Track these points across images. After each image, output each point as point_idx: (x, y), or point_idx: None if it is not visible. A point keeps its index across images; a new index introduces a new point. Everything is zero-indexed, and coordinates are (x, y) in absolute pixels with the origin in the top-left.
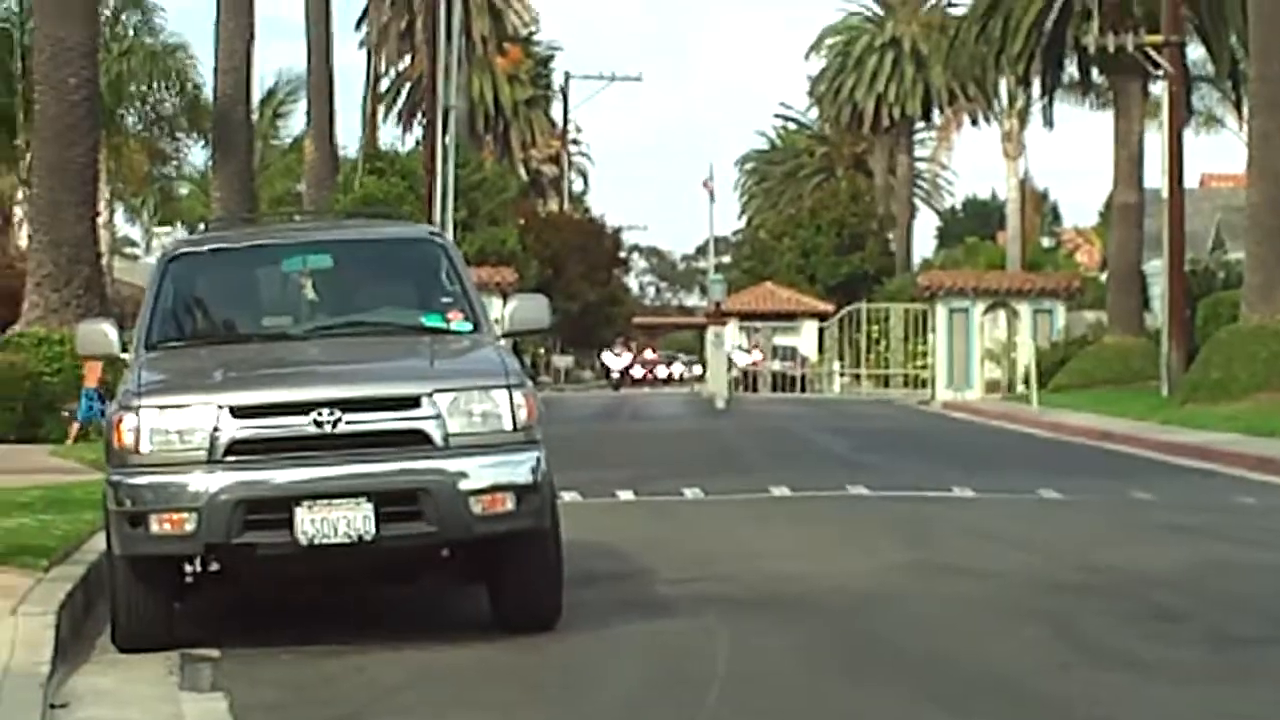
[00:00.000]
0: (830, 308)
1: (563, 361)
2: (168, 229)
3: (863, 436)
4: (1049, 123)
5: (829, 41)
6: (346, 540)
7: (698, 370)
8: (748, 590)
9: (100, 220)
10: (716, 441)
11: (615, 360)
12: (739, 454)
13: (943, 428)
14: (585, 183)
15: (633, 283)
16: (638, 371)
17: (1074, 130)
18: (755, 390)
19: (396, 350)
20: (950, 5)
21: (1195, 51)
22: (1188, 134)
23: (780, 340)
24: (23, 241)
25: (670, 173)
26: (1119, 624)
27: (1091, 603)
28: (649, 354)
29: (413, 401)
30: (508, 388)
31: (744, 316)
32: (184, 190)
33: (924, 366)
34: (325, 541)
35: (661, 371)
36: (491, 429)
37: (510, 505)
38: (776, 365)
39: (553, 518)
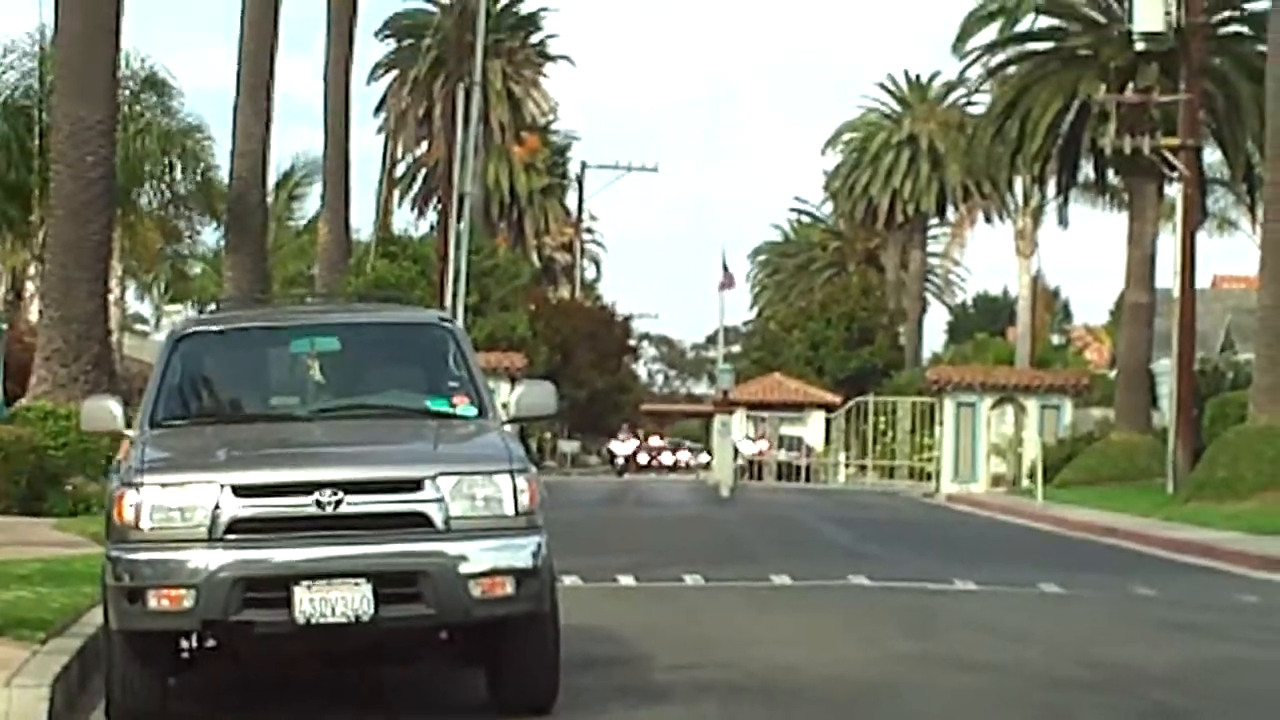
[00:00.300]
0: (838, 400)
1: (569, 447)
2: (179, 307)
3: (866, 527)
4: (1064, 222)
5: (846, 137)
6: (344, 620)
7: (704, 458)
8: (747, 678)
9: (111, 297)
10: (720, 529)
11: (620, 446)
12: (742, 542)
13: (946, 520)
14: (598, 270)
15: (642, 370)
16: (643, 458)
17: (1086, 229)
18: (760, 479)
19: (400, 433)
20: (969, 104)
21: (1211, 155)
22: (1201, 236)
23: (787, 430)
24: (33, 316)
25: (682, 262)
26: None
27: (1092, 699)
28: (655, 440)
29: (415, 484)
30: (510, 473)
31: (752, 406)
32: (196, 269)
33: (929, 459)
34: (323, 621)
35: (667, 458)
36: (493, 513)
37: (510, 589)
38: (782, 455)
39: (552, 602)
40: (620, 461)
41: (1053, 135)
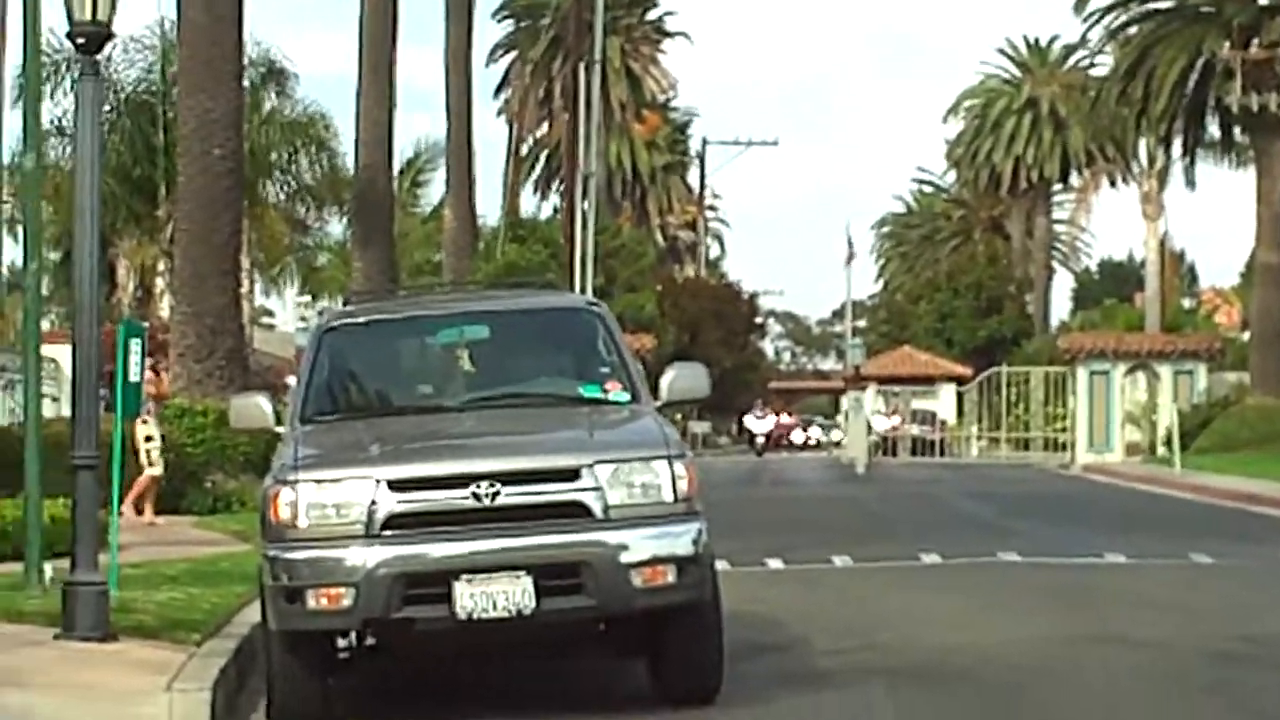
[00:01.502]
0: (968, 371)
1: (700, 427)
2: (308, 299)
3: (1007, 501)
4: (1191, 183)
5: (967, 104)
6: (505, 614)
7: (835, 435)
8: (908, 661)
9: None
10: (861, 507)
11: (758, 424)
12: (885, 520)
13: (1086, 492)
14: (722, 248)
15: (768, 347)
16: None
17: (1210, 190)
18: (894, 454)
19: (554, 421)
20: (1090, 67)
21: None
22: None
23: (918, 404)
24: (164, 312)
25: (806, 237)
26: None
27: (1259, 675)
28: (785, 418)
29: (572, 473)
30: (668, 458)
31: (882, 380)
32: (322, 259)
33: (1063, 429)
34: (484, 616)
35: (797, 436)
36: (652, 500)
37: (671, 578)
38: (915, 429)
39: (714, 589)
40: (760, 440)
41: (1177, 95)
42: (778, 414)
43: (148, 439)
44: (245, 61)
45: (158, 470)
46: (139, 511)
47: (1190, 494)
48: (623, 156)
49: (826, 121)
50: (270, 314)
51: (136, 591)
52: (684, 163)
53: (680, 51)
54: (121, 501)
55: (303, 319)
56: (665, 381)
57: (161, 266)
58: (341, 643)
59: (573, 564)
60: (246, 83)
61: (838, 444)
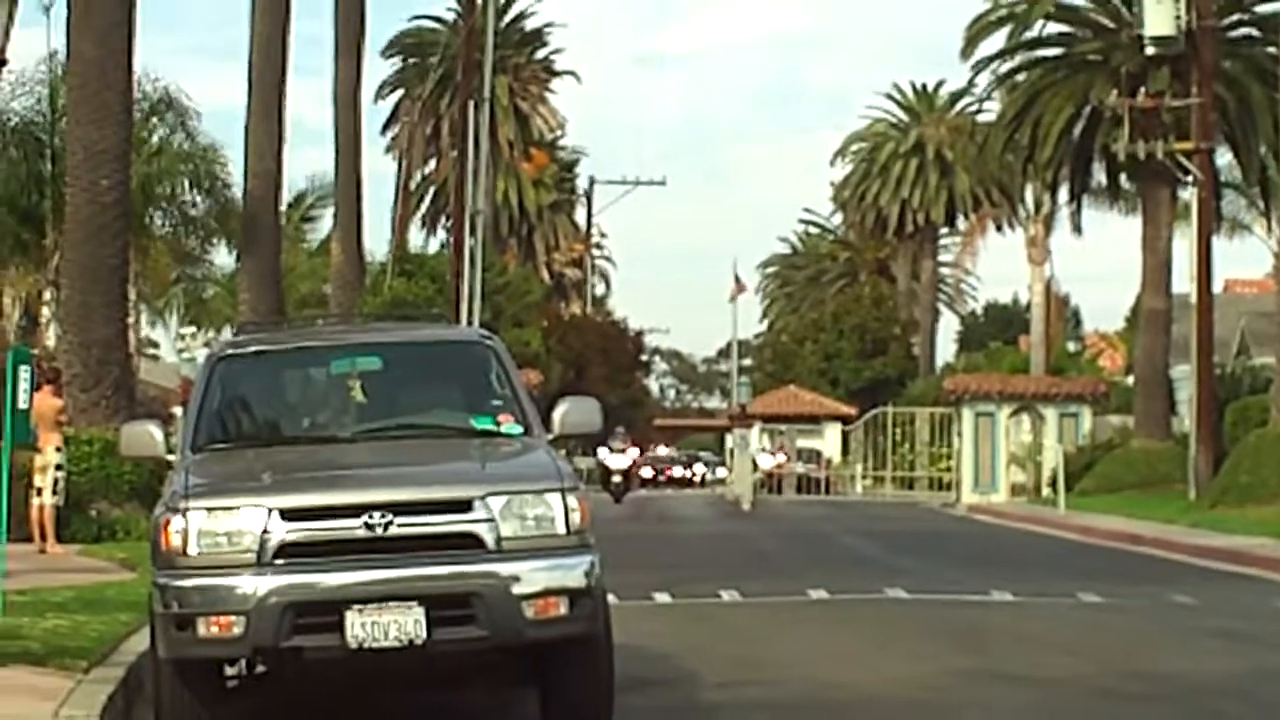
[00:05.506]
0: (853, 411)
1: (585, 463)
2: (193, 330)
3: (893, 539)
4: (1078, 229)
5: (854, 148)
6: (397, 644)
7: (721, 472)
8: (795, 696)
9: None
10: (748, 544)
11: (616, 459)
12: (772, 556)
13: (972, 531)
14: (608, 286)
15: (653, 385)
16: (648, 471)
17: (1096, 234)
18: (779, 492)
19: (448, 453)
20: (977, 112)
21: (1222, 158)
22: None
23: (803, 443)
24: (50, 342)
25: (693, 276)
26: None
27: (1151, 711)
28: (661, 450)
29: (465, 505)
30: (561, 491)
31: (767, 419)
32: (209, 292)
33: (948, 469)
34: (375, 645)
35: (679, 471)
36: (545, 532)
37: (563, 610)
38: (800, 467)
39: (605, 623)
40: (616, 479)
41: (1064, 141)
42: (641, 447)
43: (58, 467)
44: (137, 94)
45: (60, 499)
46: (44, 538)
47: (1075, 534)
48: (510, 194)
49: (715, 162)
50: (155, 345)
51: (23, 618)
52: (571, 201)
53: (569, 90)
54: (44, 539)
55: (184, 350)
56: (558, 415)
57: (48, 296)
58: (230, 671)
59: (464, 595)
60: (138, 114)
61: (721, 481)
